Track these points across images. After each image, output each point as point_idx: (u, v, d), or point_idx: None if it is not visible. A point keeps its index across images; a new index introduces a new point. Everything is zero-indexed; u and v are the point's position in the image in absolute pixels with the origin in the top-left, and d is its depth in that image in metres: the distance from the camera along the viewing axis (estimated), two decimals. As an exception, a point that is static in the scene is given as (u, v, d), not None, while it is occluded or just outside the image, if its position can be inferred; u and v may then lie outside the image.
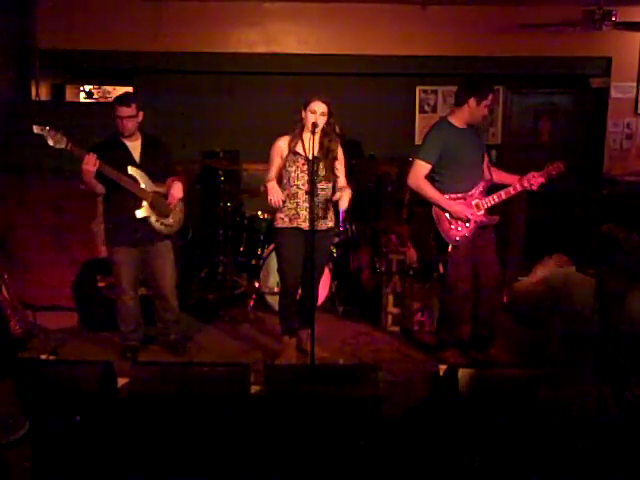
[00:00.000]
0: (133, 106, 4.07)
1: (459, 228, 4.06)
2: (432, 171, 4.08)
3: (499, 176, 4.26)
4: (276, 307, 5.06)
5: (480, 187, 4.12)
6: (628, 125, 6.60)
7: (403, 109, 6.72)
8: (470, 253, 4.11)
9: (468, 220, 4.04)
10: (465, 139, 4.07)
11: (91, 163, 3.87)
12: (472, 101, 4.00)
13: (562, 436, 2.47)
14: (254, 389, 3.20)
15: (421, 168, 4.06)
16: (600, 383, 2.44)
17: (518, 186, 4.12)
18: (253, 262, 5.35)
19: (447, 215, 4.05)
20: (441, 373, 3.41)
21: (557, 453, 2.47)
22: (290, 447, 2.92)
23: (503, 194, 4.13)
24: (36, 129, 3.87)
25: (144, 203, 4.08)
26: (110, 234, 4.19)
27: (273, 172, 4.01)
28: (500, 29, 6.28)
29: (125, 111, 4.04)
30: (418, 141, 6.77)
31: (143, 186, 4.09)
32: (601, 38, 6.15)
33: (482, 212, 4.10)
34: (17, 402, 2.40)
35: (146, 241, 4.16)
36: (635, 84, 6.52)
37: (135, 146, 4.16)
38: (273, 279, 5.08)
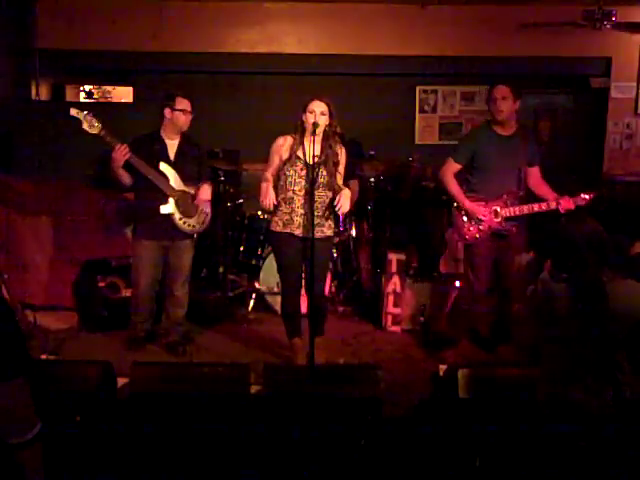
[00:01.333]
0: (189, 101, 4.19)
1: (471, 228, 4.15)
2: (467, 171, 4.20)
3: (542, 191, 4.22)
4: (276, 307, 5.07)
5: (507, 196, 4.13)
6: (628, 125, 6.60)
7: (403, 109, 6.72)
8: (488, 256, 4.17)
9: (480, 221, 4.10)
10: (502, 146, 4.12)
11: (121, 153, 3.97)
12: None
13: (562, 436, 2.47)
14: (254, 389, 3.20)
15: (450, 166, 4.21)
16: (598, 381, 2.44)
17: (544, 205, 4.13)
18: (253, 262, 5.35)
19: (463, 213, 4.16)
20: (441, 373, 3.41)
21: (557, 452, 2.47)
22: (290, 447, 2.92)
23: (526, 209, 4.14)
24: (73, 111, 3.98)
25: (170, 200, 4.14)
26: (135, 226, 4.33)
27: (270, 171, 3.93)
28: (500, 29, 6.28)
29: (185, 103, 4.17)
30: (418, 141, 6.80)
31: (172, 183, 4.15)
32: (601, 38, 6.15)
33: (499, 219, 4.12)
34: (30, 401, 2.39)
35: (167, 237, 4.23)
36: (635, 84, 6.52)
37: (173, 145, 4.23)
38: (273, 279, 5.08)
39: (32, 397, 2.40)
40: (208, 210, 4.33)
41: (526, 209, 4.14)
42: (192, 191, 4.23)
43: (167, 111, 4.15)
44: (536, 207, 4.14)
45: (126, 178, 4.14)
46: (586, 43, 6.26)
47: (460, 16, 6.26)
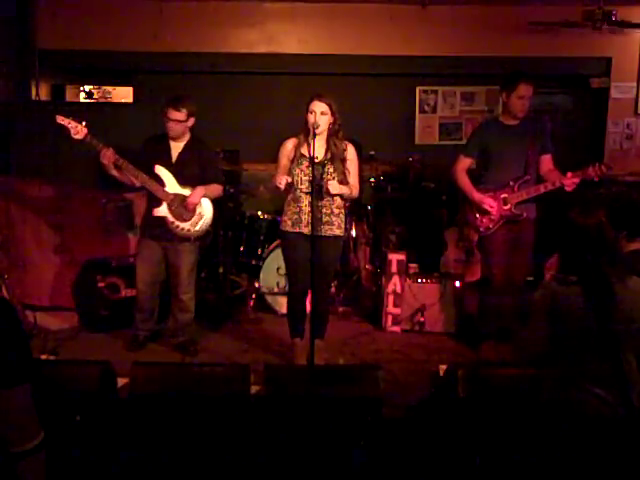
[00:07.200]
0: (183, 111, 4.12)
1: (483, 220, 4.24)
2: (481, 167, 4.31)
3: (552, 177, 4.20)
4: (276, 307, 5.08)
5: (513, 182, 4.20)
6: (628, 125, 6.59)
7: (403, 109, 6.71)
8: (503, 247, 4.25)
9: (488, 212, 4.18)
10: (508, 135, 4.20)
11: (106, 157, 3.98)
12: (504, 95, 4.22)
13: (564, 437, 2.46)
14: (254, 389, 3.20)
15: (460, 161, 4.32)
16: (605, 385, 2.43)
17: (549, 185, 4.16)
18: (253, 262, 5.36)
19: (474, 208, 4.26)
20: (441, 373, 3.41)
21: (558, 454, 2.47)
22: (290, 447, 2.92)
23: (532, 191, 4.19)
24: (59, 119, 3.96)
25: (163, 203, 4.15)
26: (141, 224, 4.46)
27: (280, 174, 3.91)
28: (500, 29, 6.27)
29: (174, 114, 4.12)
30: (418, 141, 6.78)
31: (166, 187, 4.15)
32: (601, 38, 6.15)
33: (508, 206, 4.19)
34: (34, 409, 2.36)
35: (165, 238, 4.23)
36: (635, 84, 6.51)
37: (177, 146, 4.22)
38: (273, 279, 5.09)
39: (34, 401, 2.37)
40: (206, 213, 4.25)
41: (533, 191, 4.18)
42: (188, 194, 4.18)
43: (163, 118, 4.17)
44: (542, 188, 4.18)
45: (124, 179, 4.15)
46: (586, 43, 6.25)
47: (460, 16, 6.25)
